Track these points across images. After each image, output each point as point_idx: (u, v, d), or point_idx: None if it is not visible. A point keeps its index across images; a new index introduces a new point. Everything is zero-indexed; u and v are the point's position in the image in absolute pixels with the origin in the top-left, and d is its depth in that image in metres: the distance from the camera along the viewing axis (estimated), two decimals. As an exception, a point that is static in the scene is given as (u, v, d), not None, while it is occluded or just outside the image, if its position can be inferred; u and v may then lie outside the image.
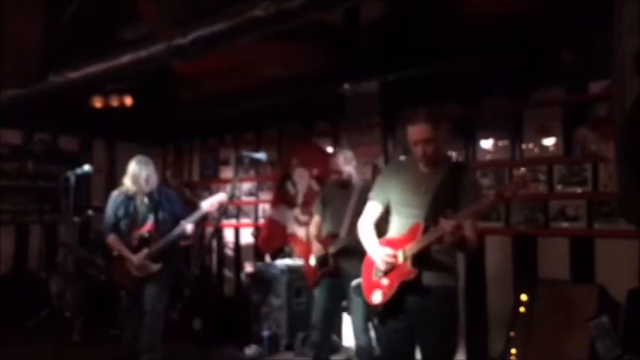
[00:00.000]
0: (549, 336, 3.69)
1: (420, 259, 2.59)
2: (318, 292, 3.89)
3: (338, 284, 3.71)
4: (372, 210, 2.92)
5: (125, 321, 4.19)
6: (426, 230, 2.58)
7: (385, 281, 2.69)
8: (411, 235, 2.64)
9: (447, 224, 2.44)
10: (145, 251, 3.97)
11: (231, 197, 6.17)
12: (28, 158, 6.45)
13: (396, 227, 2.76)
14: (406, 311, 2.65)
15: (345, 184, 3.82)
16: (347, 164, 3.80)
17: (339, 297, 3.79)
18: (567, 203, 4.03)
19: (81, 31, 4.34)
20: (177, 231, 3.97)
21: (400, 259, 2.63)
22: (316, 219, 4.02)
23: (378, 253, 2.72)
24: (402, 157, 3.38)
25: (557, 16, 3.47)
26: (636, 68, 1.79)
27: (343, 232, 3.70)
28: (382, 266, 2.69)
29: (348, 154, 3.86)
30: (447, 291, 2.66)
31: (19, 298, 5.74)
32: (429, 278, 2.62)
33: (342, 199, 3.81)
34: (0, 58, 4.46)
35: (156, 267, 3.96)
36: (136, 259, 3.96)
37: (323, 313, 3.81)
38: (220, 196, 4.09)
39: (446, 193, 2.63)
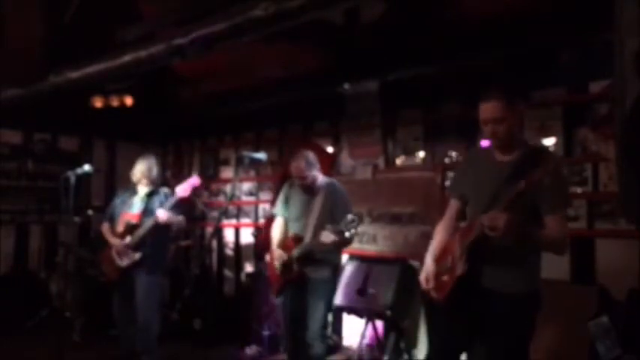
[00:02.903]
0: (549, 336, 3.69)
1: (477, 256, 2.38)
2: (283, 300, 3.80)
3: (302, 289, 3.65)
4: (450, 208, 2.69)
5: (119, 320, 4.21)
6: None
7: (445, 277, 2.49)
8: (470, 228, 2.44)
9: (484, 218, 2.25)
10: (128, 239, 4.04)
11: (231, 197, 6.19)
12: (28, 158, 6.46)
13: (467, 223, 2.56)
14: (466, 312, 2.45)
15: (309, 188, 3.73)
16: (310, 168, 3.68)
17: (304, 302, 3.67)
18: (567, 203, 4.03)
19: (81, 31, 4.35)
20: (152, 219, 3.99)
21: (458, 254, 2.43)
22: (280, 221, 3.87)
23: (425, 263, 2.59)
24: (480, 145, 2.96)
25: (557, 16, 3.47)
26: (636, 68, 1.78)
27: (308, 237, 3.62)
28: (422, 281, 2.57)
29: (311, 156, 3.73)
30: (509, 297, 2.36)
31: (19, 298, 5.74)
32: (488, 280, 2.40)
33: (305, 203, 3.73)
34: (0, 58, 4.46)
35: (136, 256, 4.00)
36: (117, 242, 4.06)
37: (290, 320, 3.73)
38: (193, 180, 4.12)
39: (514, 184, 2.27)
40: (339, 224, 3.38)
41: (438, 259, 2.57)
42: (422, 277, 2.59)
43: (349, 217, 3.36)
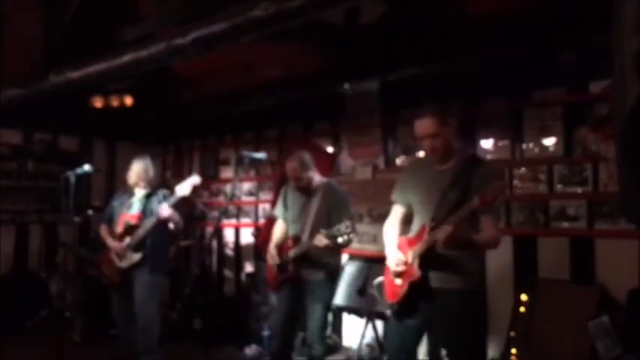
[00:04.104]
0: (549, 336, 3.69)
1: (428, 260, 2.58)
2: (278, 298, 3.83)
3: (298, 289, 3.65)
4: (395, 212, 2.93)
5: (119, 320, 4.21)
6: (432, 230, 2.56)
7: (398, 281, 2.70)
8: (419, 235, 2.65)
9: (439, 233, 2.46)
10: (128, 240, 4.03)
11: (231, 197, 6.18)
12: (28, 158, 6.46)
13: (415, 227, 2.77)
14: (419, 312, 2.68)
15: (306, 189, 3.71)
16: (305, 169, 3.66)
17: (299, 302, 3.68)
18: (568, 203, 4.03)
19: (81, 31, 4.34)
20: (153, 218, 3.99)
21: (409, 259, 2.63)
22: (280, 222, 3.88)
23: (391, 255, 2.74)
24: (419, 155, 3.18)
25: (557, 16, 3.47)
26: (636, 68, 1.78)
27: (305, 238, 3.62)
28: (393, 268, 2.71)
29: (306, 157, 3.70)
30: (458, 295, 2.58)
31: (19, 298, 5.74)
32: (437, 281, 2.60)
33: (303, 204, 3.72)
34: (0, 58, 4.46)
35: (136, 257, 3.99)
36: (116, 245, 4.06)
37: (284, 319, 3.72)
38: (193, 179, 4.12)
39: (456, 190, 2.58)
40: (332, 230, 3.36)
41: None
42: (392, 262, 2.73)
43: (343, 224, 3.35)
